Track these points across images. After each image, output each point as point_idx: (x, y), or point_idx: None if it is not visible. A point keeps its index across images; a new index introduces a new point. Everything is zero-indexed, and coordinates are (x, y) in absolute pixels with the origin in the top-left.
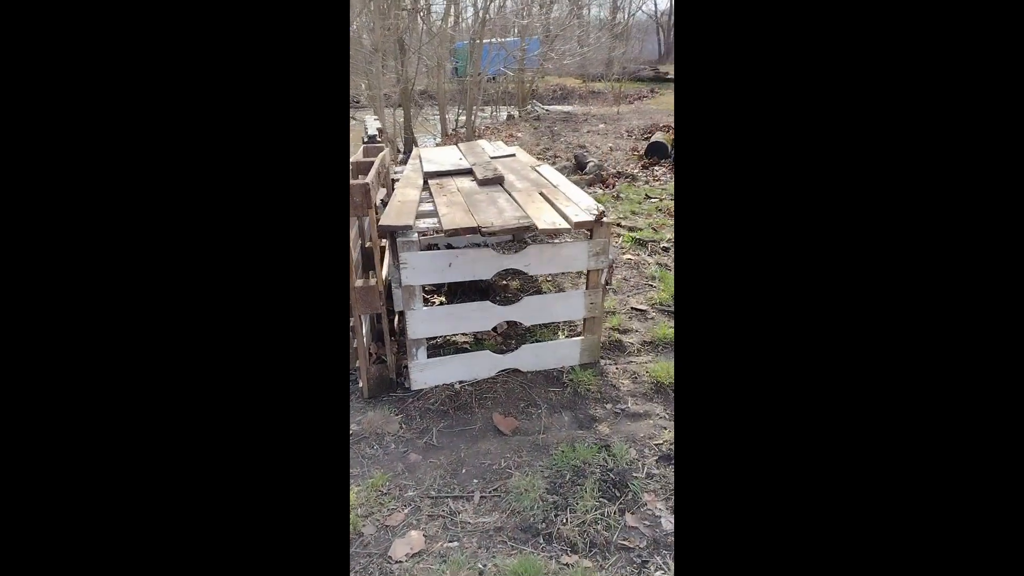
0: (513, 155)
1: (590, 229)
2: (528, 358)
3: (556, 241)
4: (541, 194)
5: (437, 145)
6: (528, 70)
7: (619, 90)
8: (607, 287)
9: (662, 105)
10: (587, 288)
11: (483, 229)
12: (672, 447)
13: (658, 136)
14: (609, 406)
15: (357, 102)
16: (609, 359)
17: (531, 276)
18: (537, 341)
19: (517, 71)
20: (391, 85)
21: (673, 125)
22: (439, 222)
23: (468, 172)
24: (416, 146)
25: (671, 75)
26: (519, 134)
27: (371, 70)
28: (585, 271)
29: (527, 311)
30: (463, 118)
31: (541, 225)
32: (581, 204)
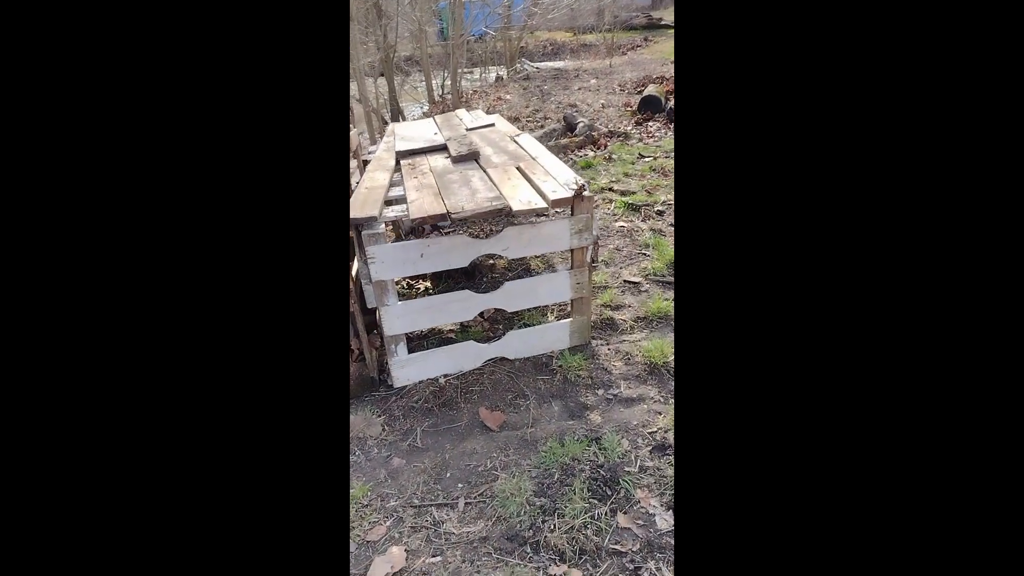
0: (492, 125)
1: (571, 205)
2: (515, 345)
3: (536, 220)
4: (518, 169)
5: (424, 114)
6: (514, 28)
7: (611, 41)
8: (594, 265)
9: (656, 54)
10: (572, 268)
11: (452, 215)
12: (666, 435)
13: (651, 89)
14: (601, 392)
15: None
16: (601, 339)
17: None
18: (525, 325)
19: (502, 30)
20: (373, 53)
21: (666, 76)
22: (407, 209)
23: (443, 148)
24: (402, 116)
25: (665, 21)
26: (508, 96)
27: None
28: (569, 250)
29: (510, 297)
30: (458, 82)
31: (516, 206)
32: (560, 178)
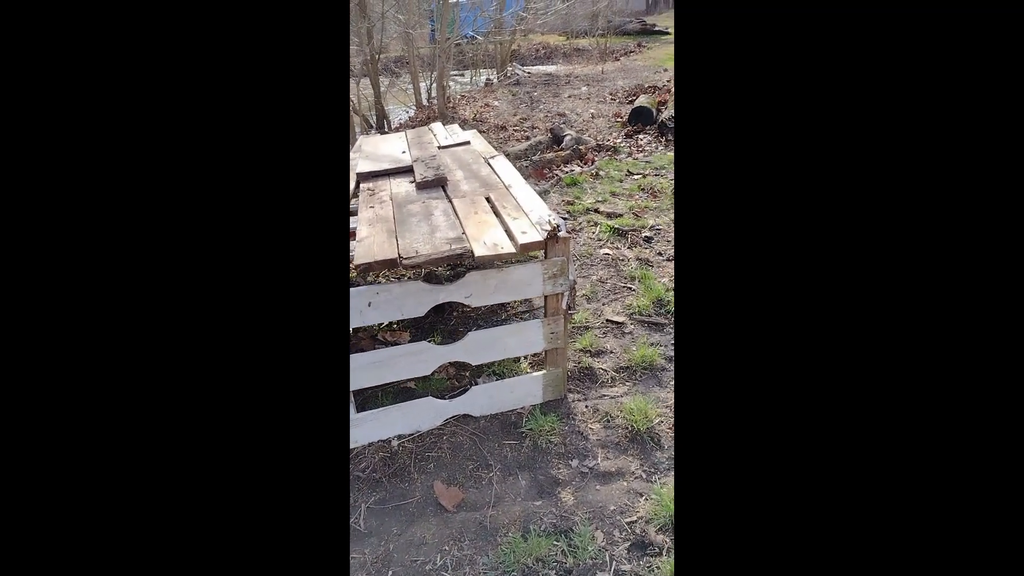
0: (467, 143)
1: (544, 247)
2: (481, 401)
3: (503, 264)
4: (488, 200)
5: (410, 119)
6: (506, 31)
7: (604, 46)
8: (570, 312)
9: (649, 61)
10: (545, 316)
11: (404, 261)
12: (647, 527)
13: (641, 100)
14: (575, 463)
15: None
16: (578, 392)
17: None
18: (495, 373)
19: (491, 32)
20: (356, 55)
21: (658, 85)
22: (353, 251)
23: (409, 170)
24: (387, 120)
25: (659, 27)
26: (496, 102)
27: None
28: (542, 297)
29: (474, 349)
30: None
31: (479, 250)
32: (533, 214)
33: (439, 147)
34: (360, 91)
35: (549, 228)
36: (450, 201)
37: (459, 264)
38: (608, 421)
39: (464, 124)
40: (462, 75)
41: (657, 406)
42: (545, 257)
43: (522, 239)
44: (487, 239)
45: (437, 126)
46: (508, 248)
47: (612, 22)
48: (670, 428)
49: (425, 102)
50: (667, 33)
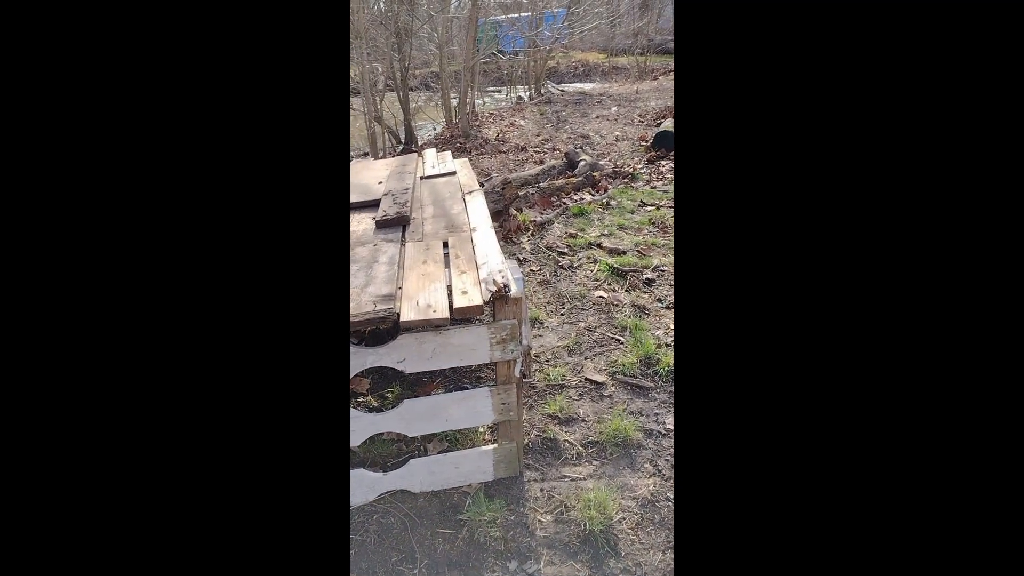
0: (452, 174)
1: (492, 307)
2: (421, 475)
3: (443, 327)
4: (445, 245)
5: (437, 135)
6: (541, 47)
7: (643, 64)
8: (525, 379)
9: None
10: (496, 385)
11: None
12: None
13: (667, 124)
14: (513, 565)
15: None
16: (537, 469)
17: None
18: (448, 439)
19: (527, 50)
20: (388, 70)
21: None
22: None
23: (377, 204)
24: (414, 137)
25: None
26: (522, 121)
27: (355, 55)
28: (491, 363)
29: (411, 419)
30: (468, 104)
31: (406, 314)
32: (486, 267)
33: (422, 177)
34: (385, 106)
35: (495, 288)
36: (403, 245)
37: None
38: (562, 512)
39: (486, 144)
40: (499, 91)
41: (622, 496)
42: (493, 319)
43: (459, 302)
44: (422, 299)
45: (430, 152)
46: (441, 313)
47: (653, 40)
48: (632, 528)
49: (455, 119)
50: None
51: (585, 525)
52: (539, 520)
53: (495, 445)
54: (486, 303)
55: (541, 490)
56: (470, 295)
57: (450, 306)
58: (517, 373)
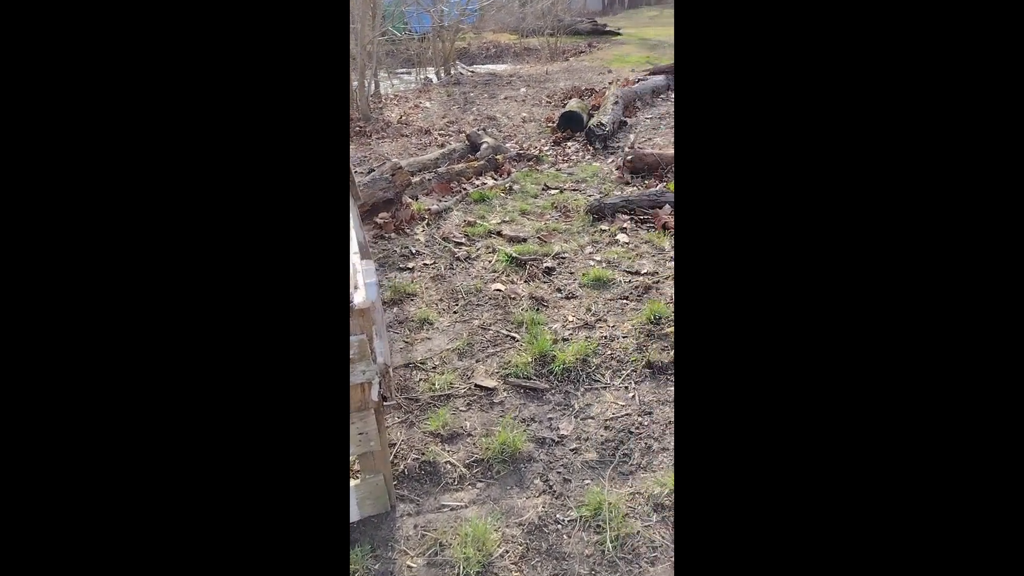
0: None
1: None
2: None
3: None
4: None
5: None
6: (449, 28)
7: (554, 46)
8: (386, 402)
9: (596, 62)
10: (352, 412)
11: None
12: None
13: (573, 104)
14: None
15: None
16: (412, 500)
17: None
18: None
19: (434, 30)
20: None
21: (596, 88)
22: None
23: None
24: None
25: (610, 27)
26: (428, 103)
27: None
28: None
29: None
30: (372, 87)
31: None
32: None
33: None
34: None
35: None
36: None
37: None
38: (436, 553)
39: (388, 126)
40: (408, 73)
41: (507, 524)
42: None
43: None
44: None
45: None
46: None
47: (563, 21)
48: (515, 562)
49: (358, 101)
50: (618, 34)
51: (460, 568)
52: (408, 566)
53: (356, 482)
54: None
55: (415, 527)
56: None
57: None
58: (375, 397)
